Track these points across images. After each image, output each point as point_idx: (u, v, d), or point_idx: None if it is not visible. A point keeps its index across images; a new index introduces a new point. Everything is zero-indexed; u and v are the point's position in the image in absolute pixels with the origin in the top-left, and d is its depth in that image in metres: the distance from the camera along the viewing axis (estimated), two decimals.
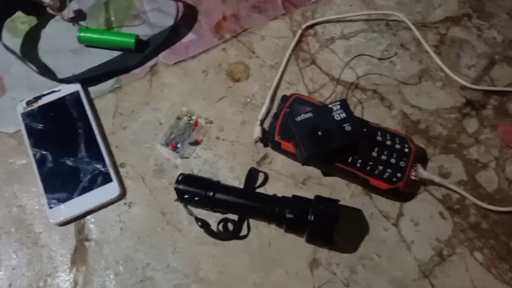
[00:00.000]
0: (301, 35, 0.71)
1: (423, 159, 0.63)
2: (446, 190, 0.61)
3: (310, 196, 0.57)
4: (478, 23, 0.73)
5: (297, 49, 0.70)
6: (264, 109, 0.64)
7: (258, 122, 0.64)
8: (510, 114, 0.66)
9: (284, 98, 0.63)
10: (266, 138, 0.63)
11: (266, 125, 0.64)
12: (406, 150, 0.59)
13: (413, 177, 0.59)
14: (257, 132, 0.63)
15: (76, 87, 0.65)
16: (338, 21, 0.73)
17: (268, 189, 0.61)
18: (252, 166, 0.62)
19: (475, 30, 0.72)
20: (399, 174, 0.58)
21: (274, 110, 0.64)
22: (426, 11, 0.74)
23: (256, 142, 0.63)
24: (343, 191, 0.61)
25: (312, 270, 0.57)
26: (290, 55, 0.69)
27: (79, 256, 0.58)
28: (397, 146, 0.59)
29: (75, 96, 0.65)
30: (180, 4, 0.73)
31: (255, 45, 0.70)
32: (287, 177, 0.62)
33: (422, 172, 0.59)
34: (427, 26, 0.73)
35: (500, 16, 0.74)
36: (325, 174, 0.62)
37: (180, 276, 0.57)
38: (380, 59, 0.69)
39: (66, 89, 0.65)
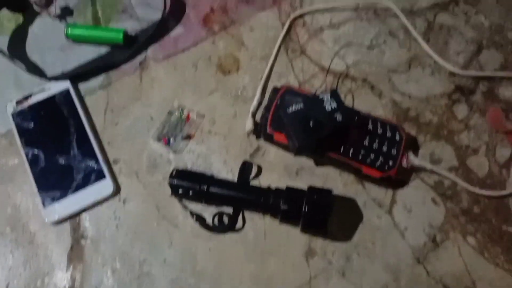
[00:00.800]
0: (290, 26, 0.71)
1: (414, 146, 0.63)
2: (438, 176, 0.62)
3: (304, 186, 0.57)
4: (465, 8, 0.73)
5: (286, 40, 0.70)
6: (255, 101, 0.65)
7: (250, 115, 0.64)
8: (499, 98, 0.67)
9: (275, 90, 0.63)
10: (258, 130, 0.63)
11: (258, 117, 0.64)
12: (397, 138, 0.60)
13: (404, 165, 0.59)
14: (249, 124, 0.63)
15: (66, 84, 0.65)
16: (326, 10, 0.72)
17: (262, 181, 0.61)
18: (245, 158, 0.62)
19: (462, 16, 0.73)
20: (391, 162, 0.58)
21: (265, 102, 0.64)
22: None
23: (248, 134, 0.63)
24: (336, 181, 0.62)
25: (308, 259, 0.58)
26: (280, 46, 0.69)
27: (75, 254, 0.58)
28: (388, 134, 0.60)
29: (65, 94, 0.65)
30: None
31: (244, 37, 0.70)
32: (280, 169, 0.62)
33: (414, 159, 0.60)
34: (415, 13, 0.73)
35: (487, 0, 0.74)
36: (318, 164, 0.62)
37: (177, 270, 0.57)
38: (369, 46, 0.70)
39: (55, 87, 0.65)
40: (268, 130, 0.60)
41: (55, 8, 0.70)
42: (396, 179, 0.59)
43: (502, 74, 0.68)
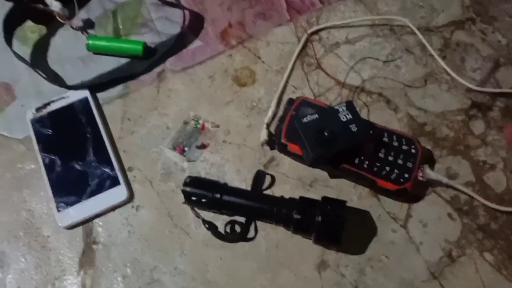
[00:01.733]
0: (306, 40, 0.71)
1: (430, 160, 0.63)
2: (454, 191, 0.61)
3: (318, 198, 0.57)
4: (482, 26, 0.73)
5: (302, 54, 0.71)
6: (270, 113, 0.65)
7: (265, 126, 0.64)
8: None
9: (290, 101, 0.63)
10: (273, 141, 0.63)
11: (272, 128, 0.64)
12: (413, 151, 0.59)
13: (420, 178, 0.59)
14: (263, 135, 0.63)
15: (85, 93, 0.66)
16: (342, 26, 0.73)
17: (275, 192, 0.61)
18: (259, 168, 0.62)
19: (479, 34, 0.73)
20: (406, 175, 0.58)
21: (280, 113, 0.65)
22: (430, 16, 0.74)
23: (262, 145, 0.64)
24: (350, 193, 0.61)
25: (320, 272, 0.57)
26: (296, 60, 0.70)
27: (87, 259, 0.58)
28: (404, 147, 0.59)
29: (83, 102, 0.66)
30: (187, 12, 0.74)
31: (260, 51, 0.71)
32: (294, 180, 0.62)
33: (430, 173, 0.59)
34: (431, 30, 0.73)
35: (504, 19, 0.74)
36: (332, 176, 0.62)
37: (187, 278, 0.56)
38: (385, 61, 0.70)
39: (74, 95, 0.66)
40: (283, 140, 0.60)
41: (77, 20, 0.72)
42: (412, 192, 0.59)
43: None
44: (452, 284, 0.56)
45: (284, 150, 0.61)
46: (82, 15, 0.73)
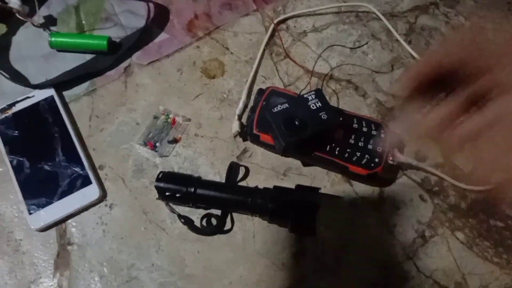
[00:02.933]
0: (274, 30, 0.71)
1: (400, 144, 0.64)
2: (424, 173, 0.62)
3: (292, 187, 0.57)
4: (445, 10, 0.75)
5: (270, 44, 0.71)
6: (241, 104, 0.65)
7: (236, 117, 0.64)
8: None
9: (260, 91, 0.63)
10: (245, 132, 0.63)
11: (244, 119, 0.64)
12: (382, 136, 0.60)
13: (390, 162, 0.60)
14: (235, 126, 0.63)
15: (50, 92, 0.65)
16: (309, 14, 0.73)
17: (250, 183, 0.61)
18: (232, 160, 0.62)
19: (443, 18, 0.74)
20: (376, 159, 0.59)
21: (251, 104, 0.65)
22: (394, 1, 0.75)
23: (235, 136, 0.63)
24: (324, 180, 0.62)
25: (298, 259, 0.57)
26: (264, 50, 0.70)
27: (62, 260, 0.57)
28: (374, 132, 0.60)
29: (49, 101, 0.64)
30: (151, 5, 0.72)
31: (228, 42, 0.71)
32: (267, 170, 0.62)
33: (399, 156, 0.60)
34: (396, 15, 0.74)
35: (466, 2, 0.75)
36: (305, 164, 0.62)
37: (165, 274, 0.56)
38: (352, 48, 0.71)
39: (40, 95, 0.65)
40: (255, 131, 0.60)
41: (38, 17, 0.70)
42: (383, 176, 0.60)
43: None
44: (426, 263, 0.57)
45: (256, 140, 0.62)
46: (43, 11, 0.72)
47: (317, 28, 0.73)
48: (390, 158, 0.60)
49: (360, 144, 0.59)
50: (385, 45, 0.71)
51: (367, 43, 0.71)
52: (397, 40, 0.71)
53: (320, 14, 0.74)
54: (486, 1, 0.76)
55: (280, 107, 0.57)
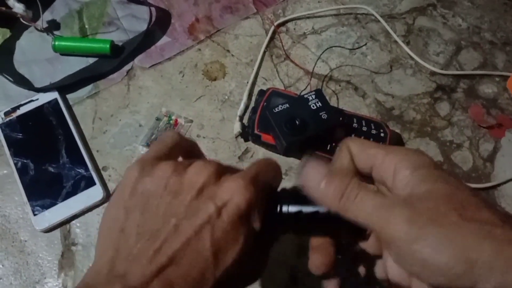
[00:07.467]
0: (274, 32, 0.72)
1: (399, 143, 0.64)
2: None
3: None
4: (442, 11, 0.76)
5: (270, 46, 0.72)
6: (242, 105, 0.66)
7: (237, 118, 0.65)
8: (479, 95, 0.69)
9: (261, 92, 0.64)
10: (246, 133, 0.64)
11: (245, 120, 0.65)
12: (382, 134, 0.61)
13: None
14: (237, 127, 0.64)
15: (54, 95, 0.66)
16: (308, 17, 0.74)
17: None
18: (234, 161, 0.63)
19: (440, 19, 0.75)
20: None
21: (252, 105, 0.66)
22: (392, 3, 0.76)
23: (236, 137, 0.64)
24: None
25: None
26: (264, 52, 0.71)
27: (66, 261, 0.58)
28: (373, 132, 0.61)
29: (53, 104, 0.65)
30: (153, 9, 0.74)
31: (229, 44, 0.72)
32: None
33: None
34: (395, 17, 0.75)
35: (463, 4, 0.77)
36: None
37: None
38: (351, 50, 0.71)
39: (44, 98, 0.65)
40: (256, 131, 0.61)
41: (42, 22, 0.71)
42: None
43: (481, 72, 0.70)
44: None
45: (258, 141, 0.62)
46: (46, 16, 0.73)
47: (316, 30, 0.74)
48: None
49: None
50: (383, 46, 0.72)
51: (366, 44, 0.72)
52: (395, 41, 0.72)
53: (319, 16, 0.75)
54: (482, 2, 0.77)
55: (281, 108, 0.58)
